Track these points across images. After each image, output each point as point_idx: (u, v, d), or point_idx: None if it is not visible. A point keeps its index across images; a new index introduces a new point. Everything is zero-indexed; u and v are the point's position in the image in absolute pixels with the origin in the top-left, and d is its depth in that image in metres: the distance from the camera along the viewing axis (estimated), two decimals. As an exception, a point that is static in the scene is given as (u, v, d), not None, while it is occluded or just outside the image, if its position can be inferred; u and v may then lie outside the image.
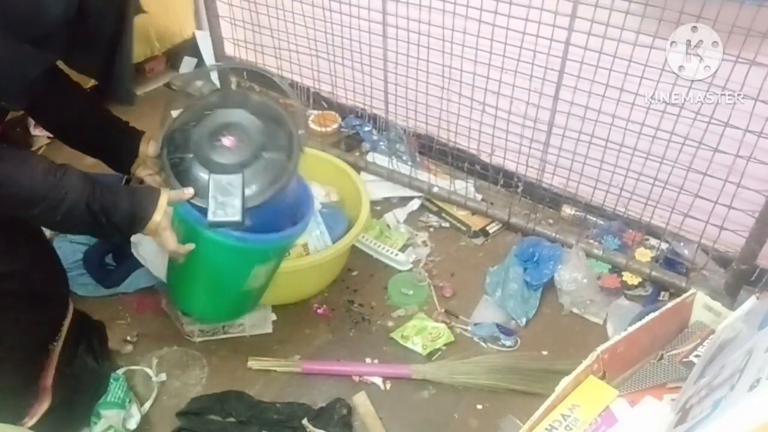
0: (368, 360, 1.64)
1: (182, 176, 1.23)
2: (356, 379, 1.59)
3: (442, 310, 1.76)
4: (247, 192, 1.21)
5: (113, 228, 1.12)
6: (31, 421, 1.33)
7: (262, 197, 1.22)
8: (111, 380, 1.47)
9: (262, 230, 1.29)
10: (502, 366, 1.58)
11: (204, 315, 1.58)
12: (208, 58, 2.54)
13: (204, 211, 1.19)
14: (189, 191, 1.19)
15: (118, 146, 1.36)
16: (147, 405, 1.50)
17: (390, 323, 1.73)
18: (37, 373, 1.34)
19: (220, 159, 1.21)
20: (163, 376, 1.58)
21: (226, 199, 1.17)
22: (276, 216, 1.33)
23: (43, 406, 1.33)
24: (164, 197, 1.17)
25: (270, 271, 1.43)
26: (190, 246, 1.22)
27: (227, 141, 1.21)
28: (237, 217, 1.17)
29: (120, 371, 1.54)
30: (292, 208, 1.44)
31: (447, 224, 2.06)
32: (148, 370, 1.58)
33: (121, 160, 1.38)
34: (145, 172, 1.39)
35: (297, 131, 1.28)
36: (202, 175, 1.21)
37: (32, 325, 1.27)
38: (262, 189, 1.23)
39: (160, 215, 1.15)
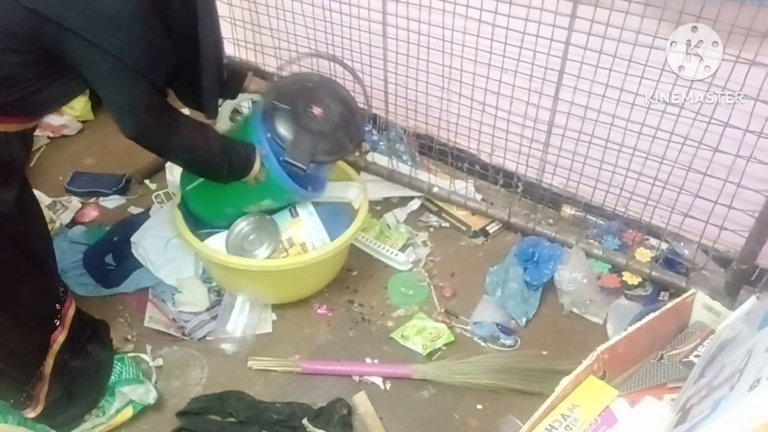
0: (368, 360, 1.64)
1: (273, 118, 1.56)
2: (356, 379, 1.59)
3: (442, 310, 1.76)
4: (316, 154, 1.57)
5: (232, 170, 1.52)
6: (39, 407, 1.38)
7: (324, 161, 1.60)
8: (116, 362, 1.50)
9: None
10: (502, 366, 1.58)
11: (212, 221, 1.78)
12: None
13: (279, 148, 1.55)
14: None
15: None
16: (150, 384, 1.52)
17: (390, 323, 1.73)
18: (41, 358, 1.38)
19: (307, 121, 1.57)
20: (160, 361, 1.59)
21: (300, 151, 1.54)
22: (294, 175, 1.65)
23: (44, 390, 1.38)
24: (258, 152, 1.55)
25: (266, 206, 1.73)
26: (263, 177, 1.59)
27: (317, 111, 1.59)
28: (304, 165, 1.54)
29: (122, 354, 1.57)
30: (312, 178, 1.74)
31: (447, 224, 2.06)
32: (144, 356, 1.59)
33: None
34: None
35: (363, 125, 1.65)
36: (291, 124, 1.56)
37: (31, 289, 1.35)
38: (326, 156, 1.59)
39: (259, 162, 1.55)
